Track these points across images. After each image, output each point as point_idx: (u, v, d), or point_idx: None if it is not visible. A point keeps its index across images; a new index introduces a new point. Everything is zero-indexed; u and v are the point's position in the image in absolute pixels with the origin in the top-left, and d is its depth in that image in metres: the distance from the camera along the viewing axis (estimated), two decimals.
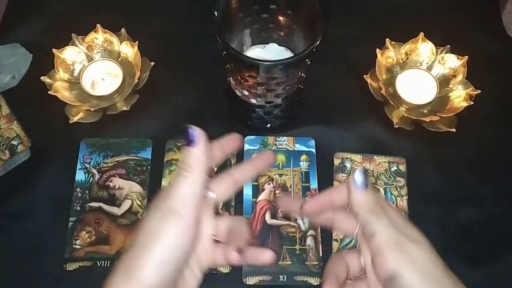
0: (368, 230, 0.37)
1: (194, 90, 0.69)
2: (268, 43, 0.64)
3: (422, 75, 0.66)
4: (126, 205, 0.61)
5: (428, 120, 0.62)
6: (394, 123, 0.64)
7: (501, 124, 0.67)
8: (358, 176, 0.37)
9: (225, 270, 0.58)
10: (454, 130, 0.63)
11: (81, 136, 0.65)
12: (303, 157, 0.64)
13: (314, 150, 0.65)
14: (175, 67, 0.70)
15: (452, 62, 0.66)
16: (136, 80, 0.65)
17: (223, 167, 0.64)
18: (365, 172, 0.38)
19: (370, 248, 0.37)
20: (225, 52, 0.54)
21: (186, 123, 0.39)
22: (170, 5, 0.76)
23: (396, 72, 0.67)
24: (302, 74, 0.59)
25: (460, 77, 0.65)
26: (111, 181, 0.63)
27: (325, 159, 0.64)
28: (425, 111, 0.64)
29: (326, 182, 0.63)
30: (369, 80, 0.66)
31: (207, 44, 0.70)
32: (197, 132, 0.38)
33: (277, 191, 0.62)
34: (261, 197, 0.62)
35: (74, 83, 0.66)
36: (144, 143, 0.65)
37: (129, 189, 0.62)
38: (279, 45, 0.64)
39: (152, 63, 0.67)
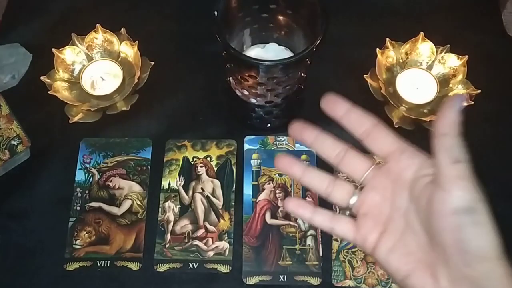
0: (454, 153, 0.33)
1: (194, 89, 0.69)
2: (268, 43, 0.64)
3: (422, 75, 0.66)
4: (126, 205, 0.61)
5: (428, 120, 0.62)
6: (394, 123, 0.64)
7: (501, 123, 0.67)
8: (460, 98, 0.33)
9: (225, 270, 0.58)
10: None
11: (81, 136, 0.65)
12: (303, 156, 0.64)
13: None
14: (175, 67, 0.71)
15: (452, 61, 0.66)
16: (136, 80, 0.65)
17: (223, 167, 0.64)
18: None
19: (440, 175, 0.33)
20: (225, 52, 0.54)
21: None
22: (170, 5, 0.76)
23: (396, 72, 0.67)
24: (302, 74, 0.59)
25: (460, 77, 0.65)
26: (111, 181, 0.63)
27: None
28: (425, 110, 0.64)
29: None
30: (369, 80, 0.66)
31: (207, 44, 0.70)
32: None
33: (277, 191, 0.62)
34: (261, 197, 0.62)
35: (74, 83, 0.66)
36: (144, 143, 0.65)
37: (129, 189, 0.62)
38: (279, 44, 0.64)
39: (152, 63, 0.67)
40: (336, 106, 0.40)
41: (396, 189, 0.36)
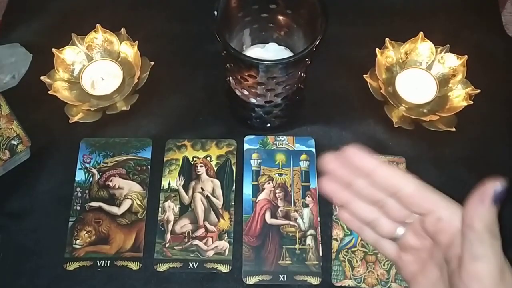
0: (475, 250, 0.32)
1: (194, 89, 0.69)
2: (267, 43, 0.64)
3: (422, 75, 0.66)
4: (126, 204, 0.61)
5: (428, 120, 0.62)
6: (394, 123, 0.64)
7: (501, 123, 0.67)
8: (500, 191, 0.32)
9: (225, 269, 0.58)
10: (453, 129, 0.63)
11: (81, 135, 0.65)
12: (303, 156, 0.64)
13: (314, 150, 0.65)
14: (175, 67, 0.71)
15: (452, 61, 0.66)
16: (136, 80, 0.65)
17: (223, 167, 0.64)
18: (505, 189, 0.32)
19: (461, 265, 0.32)
20: (224, 52, 0.54)
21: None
22: (170, 5, 0.76)
23: (395, 72, 0.67)
24: (302, 74, 0.59)
25: (459, 77, 0.65)
26: (111, 181, 0.63)
27: None
28: (425, 110, 0.65)
29: None
30: (368, 80, 0.66)
31: (207, 44, 0.70)
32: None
33: (277, 191, 0.62)
34: (261, 196, 0.62)
35: (74, 83, 0.66)
36: (144, 142, 0.65)
37: (129, 188, 0.62)
38: (278, 44, 0.64)
39: (152, 63, 0.67)
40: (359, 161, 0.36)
41: (434, 244, 0.35)
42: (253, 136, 0.66)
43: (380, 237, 0.38)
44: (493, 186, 0.32)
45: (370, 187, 0.36)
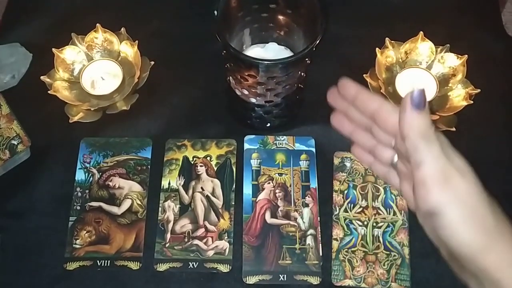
0: (415, 157, 0.33)
1: (194, 89, 0.69)
2: (268, 42, 0.64)
3: (422, 74, 0.66)
4: (126, 204, 0.61)
5: None
6: None
7: (501, 123, 0.67)
8: (417, 95, 0.33)
9: (225, 269, 0.58)
10: (453, 129, 0.62)
11: (81, 135, 0.66)
12: (303, 156, 0.64)
13: (314, 149, 0.65)
14: (175, 67, 0.71)
15: (452, 61, 0.66)
16: (136, 80, 0.65)
17: (223, 167, 0.64)
18: (424, 92, 0.33)
19: (413, 175, 0.34)
20: (224, 51, 0.55)
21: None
22: (170, 4, 0.76)
23: (395, 71, 0.67)
24: (302, 73, 0.59)
25: (459, 76, 0.65)
26: (111, 181, 0.63)
27: (325, 158, 0.64)
28: None
29: (326, 181, 0.63)
30: (368, 79, 0.66)
31: (207, 43, 0.70)
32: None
33: (277, 191, 0.62)
34: (261, 196, 0.62)
35: (74, 82, 0.66)
36: (144, 142, 0.65)
37: (129, 188, 0.62)
38: (278, 44, 0.64)
39: (152, 63, 0.67)
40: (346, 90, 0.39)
41: None
42: (253, 136, 0.66)
43: (387, 170, 0.40)
44: (410, 94, 0.33)
45: (359, 114, 0.39)
